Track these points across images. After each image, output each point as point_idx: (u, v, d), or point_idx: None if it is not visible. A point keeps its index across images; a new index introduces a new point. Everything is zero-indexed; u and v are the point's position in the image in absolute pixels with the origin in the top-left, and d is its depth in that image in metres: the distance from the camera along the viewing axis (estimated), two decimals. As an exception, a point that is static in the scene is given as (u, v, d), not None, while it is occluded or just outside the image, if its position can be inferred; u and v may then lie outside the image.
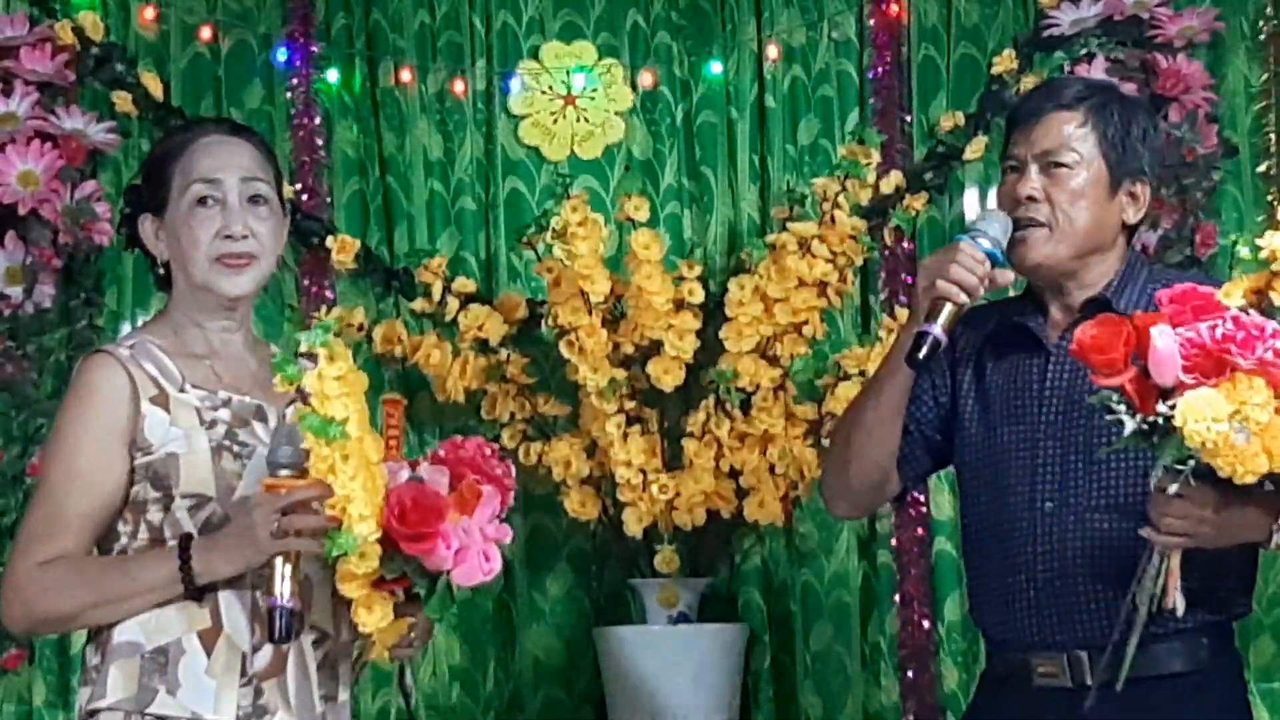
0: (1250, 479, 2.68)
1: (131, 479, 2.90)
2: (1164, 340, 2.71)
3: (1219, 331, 2.70)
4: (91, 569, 2.88)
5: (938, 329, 2.93)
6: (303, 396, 2.74)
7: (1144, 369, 2.73)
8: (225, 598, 2.86)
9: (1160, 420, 2.70)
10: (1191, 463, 2.71)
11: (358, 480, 2.70)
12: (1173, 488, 2.74)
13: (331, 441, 2.69)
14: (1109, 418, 2.75)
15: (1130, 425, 2.73)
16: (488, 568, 2.78)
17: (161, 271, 3.02)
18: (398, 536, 2.73)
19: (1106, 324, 2.78)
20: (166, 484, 2.88)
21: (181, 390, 2.92)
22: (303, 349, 2.73)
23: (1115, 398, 2.75)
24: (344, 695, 2.96)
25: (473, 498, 2.79)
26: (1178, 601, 2.83)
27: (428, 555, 2.74)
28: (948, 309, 2.94)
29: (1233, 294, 2.77)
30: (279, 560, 2.74)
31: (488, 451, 2.85)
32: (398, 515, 2.72)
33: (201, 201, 2.95)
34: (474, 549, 2.76)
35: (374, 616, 2.77)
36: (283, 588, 2.74)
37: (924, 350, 2.92)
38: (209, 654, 2.85)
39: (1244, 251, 2.85)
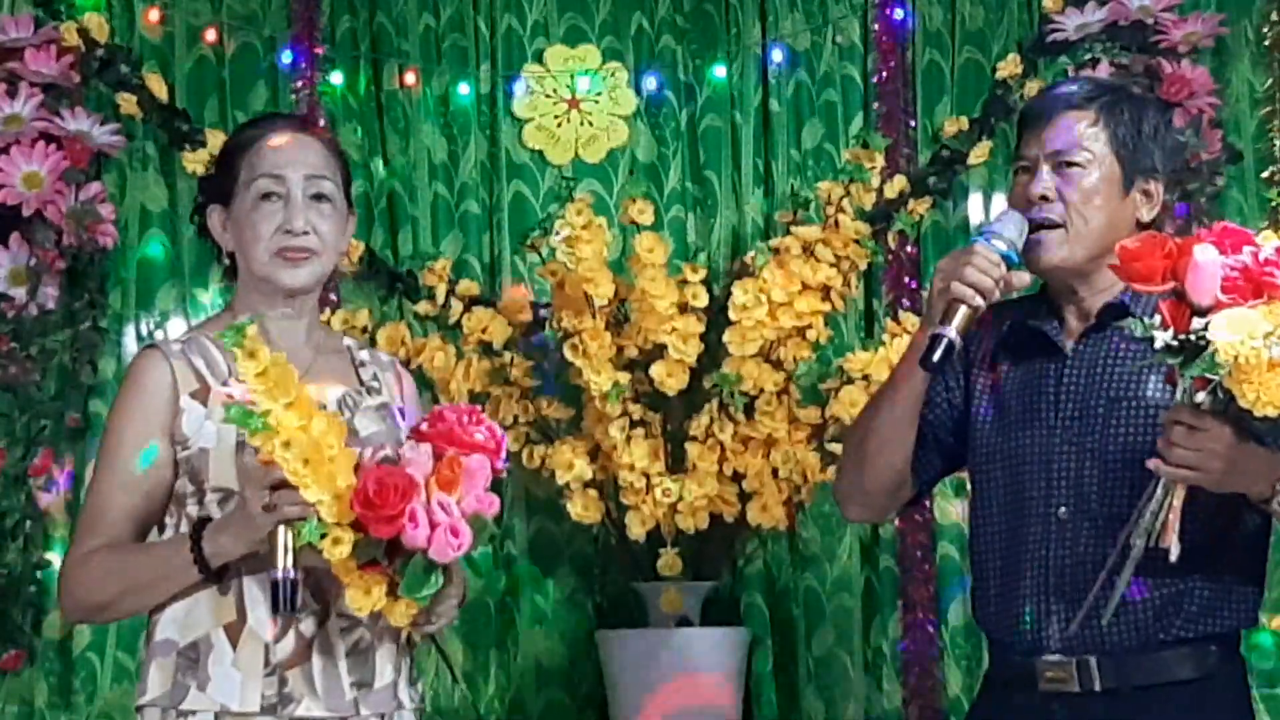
0: (1270, 412, 2.67)
1: (176, 472, 2.95)
2: (1206, 256, 2.72)
3: (1262, 255, 2.71)
4: (121, 557, 2.93)
5: (952, 331, 2.90)
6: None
7: (1179, 292, 2.73)
8: (250, 590, 2.90)
9: (1192, 338, 2.70)
10: (1216, 379, 2.69)
11: (307, 468, 2.71)
12: (1201, 395, 2.72)
13: (255, 433, 2.71)
14: (1138, 333, 2.75)
15: (1161, 340, 2.72)
16: (456, 543, 2.76)
17: (227, 262, 3.09)
18: (364, 520, 2.73)
19: (1148, 238, 2.79)
20: (199, 478, 2.93)
21: (224, 384, 2.93)
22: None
23: (1145, 322, 2.75)
24: (383, 681, 2.96)
25: (453, 473, 2.78)
26: (1174, 544, 2.79)
27: (398, 536, 2.74)
28: (962, 311, 2.91)
29: (1269, 240, 2.77)
30: (280, 531, 2.76)
31: (466, 418, 2.84)
32: (362, 500, 2.73)
33: (266, 197, 3.01)
34: (442, 526, 2.75)
35: (369, 599, 2.79)
36: (285, 560, 2.76)
37: (938, 353, 2.90)
38: (234, 647, 2.90)
39: None
